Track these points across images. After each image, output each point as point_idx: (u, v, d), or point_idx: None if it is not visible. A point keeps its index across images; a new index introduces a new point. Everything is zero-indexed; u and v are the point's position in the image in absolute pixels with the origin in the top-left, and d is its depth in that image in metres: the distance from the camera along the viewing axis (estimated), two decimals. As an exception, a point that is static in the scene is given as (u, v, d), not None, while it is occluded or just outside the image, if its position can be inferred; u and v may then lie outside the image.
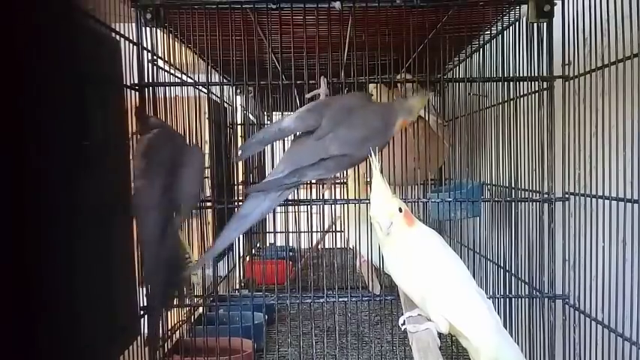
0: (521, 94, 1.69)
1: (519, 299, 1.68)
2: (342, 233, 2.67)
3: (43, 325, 1.03)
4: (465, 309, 1.14)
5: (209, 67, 1.72)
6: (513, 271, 1.71)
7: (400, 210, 1.16)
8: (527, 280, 1.67)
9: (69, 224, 1.15)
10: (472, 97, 1.90)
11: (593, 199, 1.42)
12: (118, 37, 1.53)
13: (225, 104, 2.65)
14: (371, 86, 2.30)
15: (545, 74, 1.60)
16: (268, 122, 3.37)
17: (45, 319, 1.04)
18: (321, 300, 1.69)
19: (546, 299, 1.60)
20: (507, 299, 1.69)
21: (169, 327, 1.76)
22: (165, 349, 1.74)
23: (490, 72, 1.82)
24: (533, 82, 1.64)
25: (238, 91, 2.84)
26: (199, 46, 1.82)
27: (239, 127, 2.95)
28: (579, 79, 1.50)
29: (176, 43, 1.82)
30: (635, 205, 1.22)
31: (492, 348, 1.12)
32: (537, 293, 1.62)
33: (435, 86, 2.47)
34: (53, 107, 1.11)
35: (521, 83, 1.68)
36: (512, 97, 1.67)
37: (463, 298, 1.14)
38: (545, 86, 1.61)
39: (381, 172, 1.21)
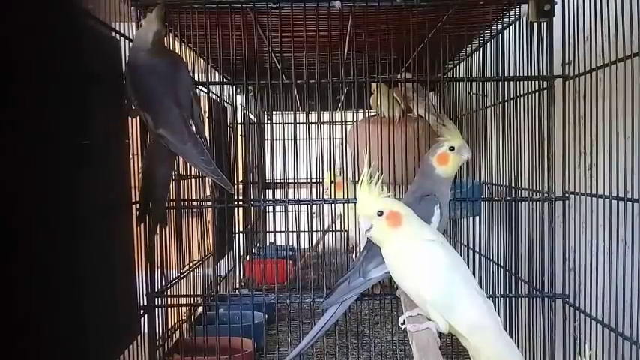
0: (521, 93, 1.69)
1: (519, 298, 1.68)
2: (343, 232, 2.67)
3: (45, 324, 1.03)
4: (465, 310, 1.13)
5: (209, 66, 1.72)
6: (513, 271, 1.71)
7: (381, 213, 1.15)
8: (527, 280, 1.67)
9: (70, 224, 1.15)
10: (472, 97, 1.90)
11: (593, 199, 1.42)
12: (118, 36, 1.53)
13: (225, 103, 2.65)
14: (373, 86, 2.31)
15: (545, 73, 1.60)
16: (268, 122, 3.37)
17: (46, 318, 1.04)
18: (321, 299, 1.69)
19: (546, 298, 1.60)
20: (507, 298, 1.69)
21: (169, 326, 1.76)
22: (166, 349, 1.74)
23: (490, 71, 1.82)
24: (533, 82, 1.64)
25: (238, 90, 2.84)
26: (199, 45, 1.82)
27: (239, 126, 2.95)
28: (579, 79, 1.50)
29: (176, 42, 1.82)
30: (635, 205, 1.22)
31: (492, 349, 1.12)
32: (537, 292, 1.62)
33: (435, 85, 2.47)
34: (53, 107, 1.11)
35: (521, 82, 1.68)
36: (512, 96, 1.67)
37: (463, 299, 1.14)
38: (545, 85, 1.61)
39: (379, 171, 1.21)
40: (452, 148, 1.43)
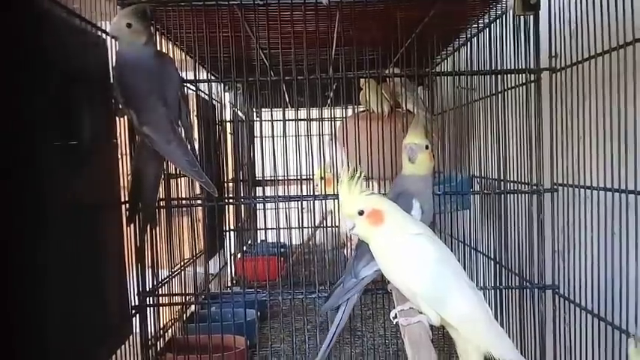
0: (509, 86, 1.70)
1: (510, 290, 1.70)
2: (333, 228, 2.67)
3: (35, 325, 1.02)
4: (456, 302, 1.14)
5: (197, 64, 1.71)
6: (504, 263, 1.72)
7: (361, 212, 1.15)
8: (517, 272, 1.68)
9: (58, 224, 1.14)
10: (460, 91, 1.91)
11: (582, 190, 1.43)
12: (104, 35, 1.52)
13: (214, 101, 2.64)
14: (361, 81, 2.31)
15: (532, 67, 1.61)
16: (257, 119, 3.36)
17: (36, 319, 1.03)
18: (313, 295, 1.69)
19: (536, 290, 1.61)
20: (498, 290, 1.70)
21: (162, 326, 1.75)
22: (158, 348, 1.74)
23: (478, 65, 1.82)
24: (520, 75, 1.65)
25: (227, 87, 2.83)
26: (186, 43, 1.82)
27: (228, 124, 2.95)
28: (566, 71, 1.50)
29: (163, 40, 1.81)
30: (623, 195, 1.23)
31: (483, 339, 1.12)
32: (527, 284, 1.63)
33: (424, 80, 2.48)
34: (40, 107, 1.11)
35: (509, 76, 1.69)
36: (500, 89, 1.68)
37: (453, 292, 1.14)
38: (532, 78, 1.62)
39: (360, 168, 1.21)
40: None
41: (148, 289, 1.65)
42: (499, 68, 1.69)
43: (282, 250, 3.10)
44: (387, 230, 1.15)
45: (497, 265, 1.74)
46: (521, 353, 1.47)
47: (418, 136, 1.44)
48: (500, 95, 1.68)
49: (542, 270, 1.62)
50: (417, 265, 1.15)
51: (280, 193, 1.83)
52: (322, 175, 2.11)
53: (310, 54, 1.74)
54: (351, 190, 1.16)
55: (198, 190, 2.06)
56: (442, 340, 1.77)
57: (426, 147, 1.44)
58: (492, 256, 1.76)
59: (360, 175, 1.17)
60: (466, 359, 1.17)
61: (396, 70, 1.98)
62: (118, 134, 1.57)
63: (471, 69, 1.83)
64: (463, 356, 1.18)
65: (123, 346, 1.50)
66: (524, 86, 1.64)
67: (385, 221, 1.15)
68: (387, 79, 2.29)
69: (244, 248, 3.28)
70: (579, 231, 1.44)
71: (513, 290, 1.68)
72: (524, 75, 1.63)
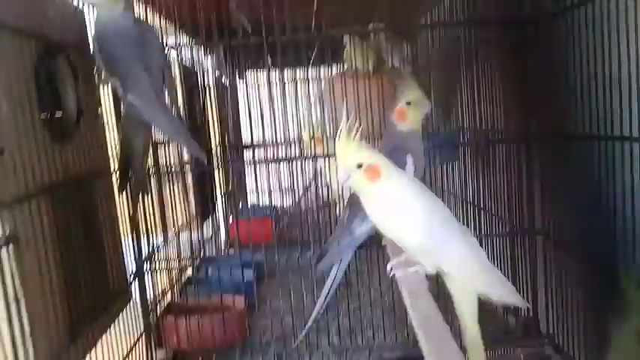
0: (495, 36, 1.69)
1: (501, 238, 1.73)
2: (325, 187, 2.68)
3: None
4: (450, 251, 1.15)
5: (177, 28, 1.68)
6: (494, 211, 1.75)
7: (359, 166, 1.15)
8: (507, 219, 1.71)
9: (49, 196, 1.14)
10: (445, 43, 1.89)
11: (569, 138, 1.45)
12: (81, 5, 1.49)
13: (196, 66, 2.61)
14: (345, 38, 2.29)
15: (518, 15, 1.60)
16: (241, 82, 3.33)
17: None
18: (309, 253, 1.72)
19: (527, 236, 1.64)
20: (489, 238, 1.74)
21: (161, 290, 1.78)
22: (158, 312, 1.76)
23: (463, 15, 1.81)
24: (506, 24, 1.64)
25: (208, 51, 2.79)
26: (165, 7, 1.78)
27: (211, 88, 2.91)
28: (555, 18, 1.50)
29: (140, 4, 1.78)
30: (609, 143, 1.25)
31: (481, 284, 1.15)
32: (518, 230, 1.66)
33: (409, 34, 2.45)
34: (22, 81, 1.09)
35: (495, 25, 1.68)
36: (484, 39, 1.68)
37: (446, 241, 1.16)
38: (517, 28, 1.61)
39: (357, 123, 1.20)
40: (409, 103, 1.42)
41: (144, 256, 1.66)
42: (483, 17, 1.68)
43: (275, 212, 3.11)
44: (382, 185, 1.16)
45: (488, 214, 1.77)
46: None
47: (416, 89, 1.42)
48: (486, 45, 1.68)
49: (532, 217, 1.65)
50: (409, 216, 1.16)
51: (270, 156, 1.83)
52: (311, 135, 2.10)
53: (292, 9, 1.71)
54: (350, 142, 1.15)
55: (186, 157, 2.05)
56: (439, 287, 1.81)
57: None
58: (482, 206, 1.79)
59: (359, 128, 1.16)
60: (461, 310, 1.19)
61: (380, 25, 1.96)
62: (102, 103, 1.56)
63: (456, 19, 1.82)
64: (459, 307, 1.20)
65: (124, 312, 1.52)
66: (509, 35, 1.63)
67: (381, 177, 1.15)
68: (372, 36, 2.27)
69: (235, 212, 3.29)
70: (567, 178, 1.46)
71: (505, 238, 1.72)
72: (509, 25, 1.62)
